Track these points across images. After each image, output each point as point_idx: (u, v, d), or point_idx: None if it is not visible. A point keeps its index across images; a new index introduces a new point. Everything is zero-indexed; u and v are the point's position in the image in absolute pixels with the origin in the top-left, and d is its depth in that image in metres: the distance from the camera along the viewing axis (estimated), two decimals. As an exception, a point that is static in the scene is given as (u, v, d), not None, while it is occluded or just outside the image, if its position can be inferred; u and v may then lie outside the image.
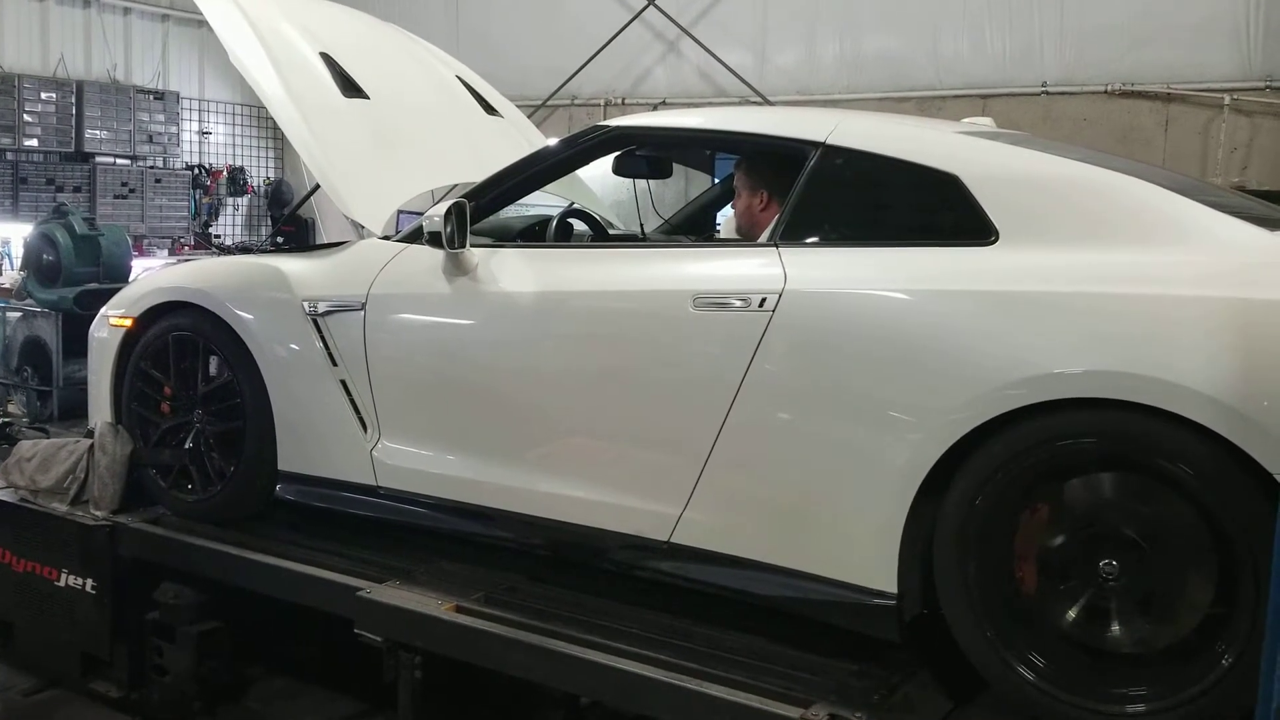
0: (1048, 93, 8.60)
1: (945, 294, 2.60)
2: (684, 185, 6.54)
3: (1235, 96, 7.92)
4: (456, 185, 4.10)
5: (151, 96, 11.20)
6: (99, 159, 10.79)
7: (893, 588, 2.63)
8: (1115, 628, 2.42)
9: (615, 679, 2.88)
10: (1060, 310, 2.47)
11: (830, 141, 2.94)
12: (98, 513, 4.07)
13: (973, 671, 2.61)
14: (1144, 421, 2.34)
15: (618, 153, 3.50)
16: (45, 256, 5.89)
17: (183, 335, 3.88)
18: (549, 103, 10.38)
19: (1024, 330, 2.49)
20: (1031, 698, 2.49)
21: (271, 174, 12.72)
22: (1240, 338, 2.28)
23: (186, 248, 11.02)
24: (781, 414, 2.78)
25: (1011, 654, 2.51)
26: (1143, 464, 2.38)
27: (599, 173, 3.76)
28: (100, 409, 4.13)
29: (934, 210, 2.81)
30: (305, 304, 3.60)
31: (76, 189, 10.48)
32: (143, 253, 9.88)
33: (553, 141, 3.67)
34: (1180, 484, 2.33)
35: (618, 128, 3.38)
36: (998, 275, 2.57)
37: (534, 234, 3.85)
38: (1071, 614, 2.45)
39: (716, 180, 4.78)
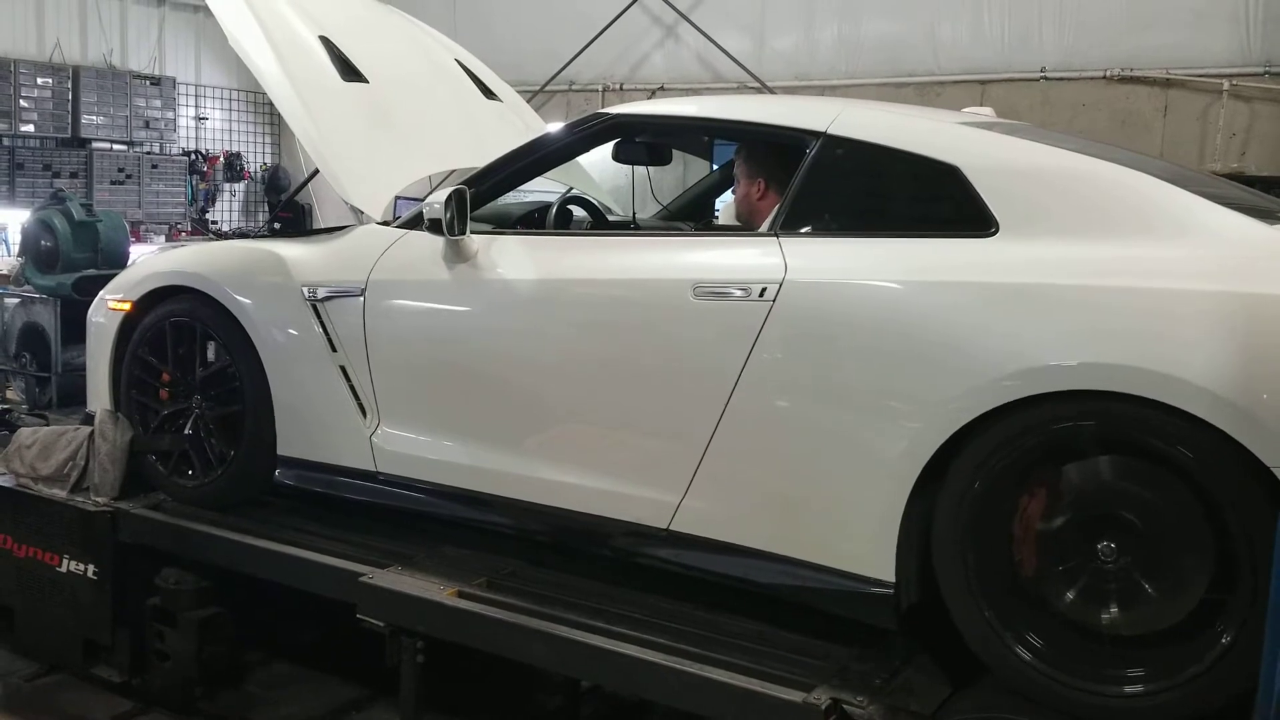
0: (1046, 78, 8.58)
1: (945, 285, 2.61)
2: (682, 171, 6.53)
3: (1234, 82, 7.91)
4: (455, 170, 4.10)
5: (148, 82, 11.15)
6: (95, 145, 10.74)
7: (890, 576, 2.64)
8: (1114, 609, 2.43)
9: (617, 663, 2.89)
10: (1059, 303, 2.48)
11: (831, 131, 2.93)
12: (99, 499, 4.08)
13: (973, 656, 2.62)
14: (1142, 407, 2.34)
15: (618, 140, 3.49)
16: (43, 242, 5.89)
17: (181, 320, 3.88)
18: (547, 88, 10.35)
19: (1022, 322, 2.49)
20: (1031, 680, 2.51)
21: (268, 160, 12.68)
22: (1238, 332, 2.29)
23: (183, 234, 11.00)
24: (781, 403, 2.78)
25: (1010, 636, 2.52)
26: (1140, 447, 2.39)
27: (598, 158, 3.75)
28: (99, 393, 4.13)
29: (934, 201, 2.81)
30: (304, 289, 3.59)
31: (73, 175, 10.44)
32: (140, 239, 9.86)
33: (553, 128, 3.67)
34: (1177, 466, 2.34)
35: (618, 115, 3.37)
36: (997, 267, 2.58)
37: (534, 221, 3.85)
38: (1070, 596, 2.46)
39: (715, 167, 4.78)
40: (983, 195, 2.67)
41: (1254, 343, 2.28)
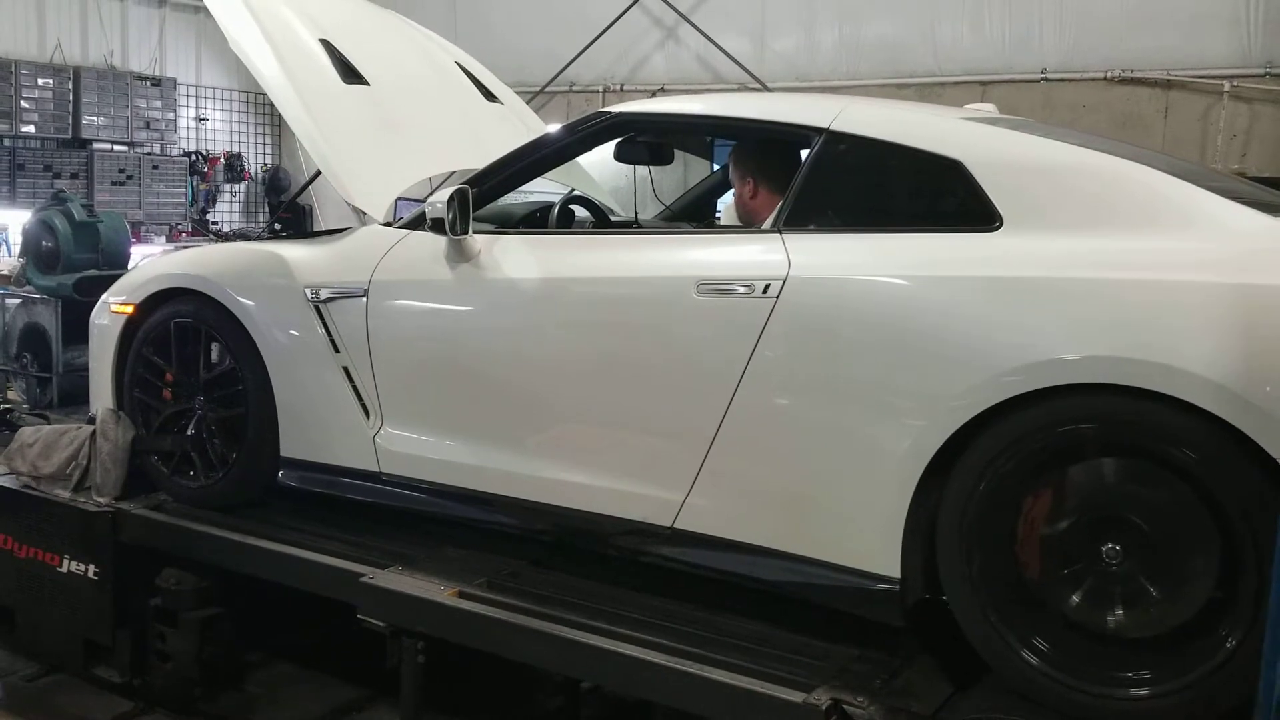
0: (1047, 79, 8.59)
1: (949, 280, 2.61)
2: (682, 172, 6.53)
3: (1235, 83, 7.91)
4: (455, 172, 4.10)
5: (148, 83, 11.16)
6: (96, 145, 10.76)
7: (895, 573, 2.64)
8: (1119, 611, 2.42)
9: (617, 663, 2.89)
10: (1062, 296, 2.48)
11: (834, 128, 2.93)
12: (100, 499, 4.07)
13: (974, 656, 2.62)
14: (1146, 406, 2.34)
15: (619, 139, 3.49)
16: (44, 243, 5.89)
17: (184, 322, 3.88)
18: (547, 89, 10.36)
19: (1026, 316, 2.49)
20: (1035, 682, 2.50)
21: (269, 161, 12.69)
22: (1243, 323, 2.29)
23: (184, 234, 11.01)
24: (785, 400, 2.78)
25: (1015, 638, 2.52)
26: (1145, 448, 2.38)
27: (598, 159, 3.75)
28: (101, 396, 4.13)
29: (938, 196, 2.81)
30: (307, 290, 3.60)
31: (74, 175, 10.45)
32: (140, 239, 9.87)
33: (554, 128, 3.67)
34: (1182, 468, 2.34)
35: (620, 114, 3.37)
36: (1001, 261, 2.58)
37: (536, 220, 3.85)
38: (1075, 598, 2.46)
39: (716, 167, 4.78)
40: (986, 190, 2.67)
41: (1259, 334, 2.28)
